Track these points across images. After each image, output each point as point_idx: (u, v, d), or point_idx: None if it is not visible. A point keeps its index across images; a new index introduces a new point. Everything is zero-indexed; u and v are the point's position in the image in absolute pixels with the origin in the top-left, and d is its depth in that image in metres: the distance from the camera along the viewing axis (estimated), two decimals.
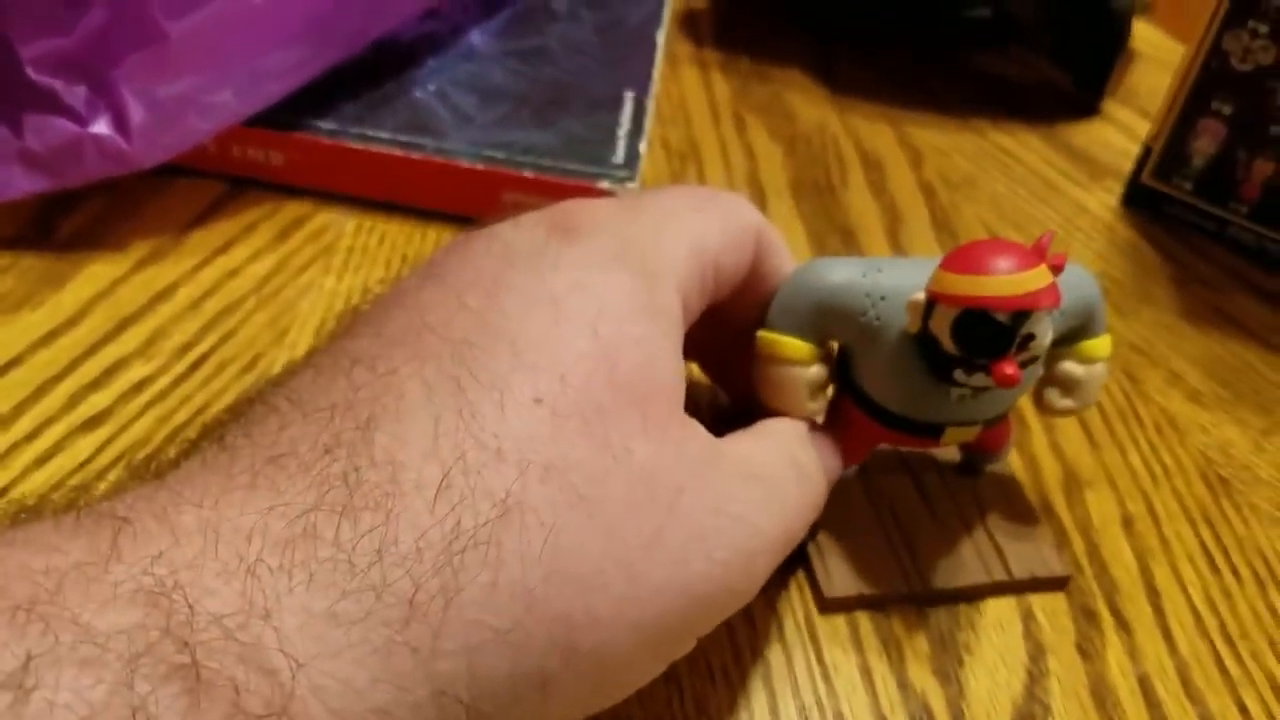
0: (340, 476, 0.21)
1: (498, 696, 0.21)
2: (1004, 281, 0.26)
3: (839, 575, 0.31)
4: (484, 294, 0.24)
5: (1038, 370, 0.30)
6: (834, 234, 0.49)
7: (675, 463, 0.24)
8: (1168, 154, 0.51)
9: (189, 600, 0.18)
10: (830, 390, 0.32)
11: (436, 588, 0.20)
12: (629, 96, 0.50)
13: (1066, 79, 0.62)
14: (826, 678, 0.30)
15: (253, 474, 0.21)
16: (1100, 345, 0.32)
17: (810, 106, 0.58)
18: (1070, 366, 0.31)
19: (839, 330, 0.30)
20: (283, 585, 0.19)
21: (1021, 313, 0.26)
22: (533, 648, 0.21)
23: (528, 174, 0.43)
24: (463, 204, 0.44)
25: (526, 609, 0.21)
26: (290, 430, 0.22)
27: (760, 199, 0.50)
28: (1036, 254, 0.27)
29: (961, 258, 0.27)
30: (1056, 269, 0.27)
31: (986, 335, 0.27)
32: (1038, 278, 0.27)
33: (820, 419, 0.32)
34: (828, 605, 0.31)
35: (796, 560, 0.32)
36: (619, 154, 0.46)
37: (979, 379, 0.28)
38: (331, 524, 0.20)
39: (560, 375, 0.23)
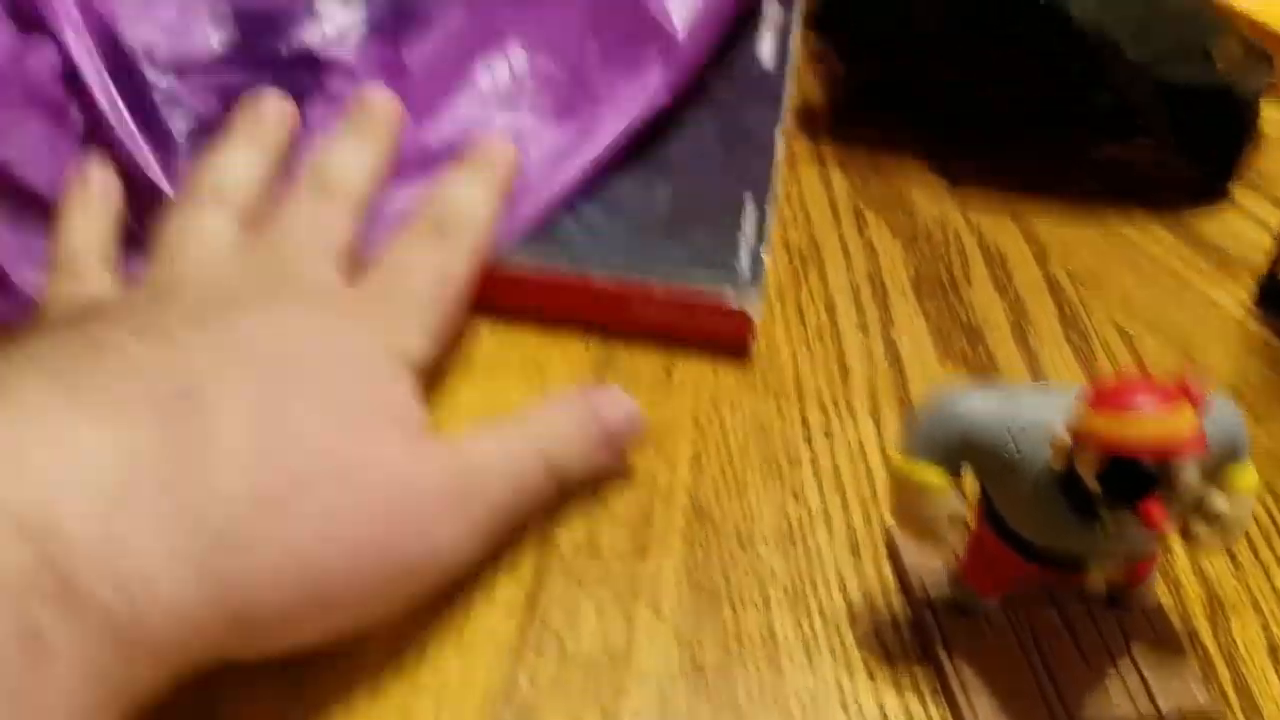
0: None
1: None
2: (1150, 426, 0.26)
3: (984, 710, 0.31)
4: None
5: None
6: (959, 332, 0.49)
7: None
8: None
9: None
10: (970, 520, 0.32)
11: None
12: (749, 201, 0.50)
13: (1193, 168, 0.61)
14: None
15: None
16: (1246, 475, 0.31)
17: (930, 201, 0.59)
18: (1216, 500, 0.31)
19: (979, 462, 0.30)
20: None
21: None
22: None
23: (657, 288, 0.44)
24: (596, 316, 0.46)
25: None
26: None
27: (882, 297, 0.50)
28: (1181, 393, 0.27)
29: (1107, 398, 0.27)
30: (1201, 405, 0.27)
31: (1132, 479, 0.27)
32: (1184, 423, 0.27)
33: (960, 550, 0.32)
34: None
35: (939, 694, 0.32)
36: (743, 263, 0.46)
37: (1124, 517, 0.28)
38: None
39: None
